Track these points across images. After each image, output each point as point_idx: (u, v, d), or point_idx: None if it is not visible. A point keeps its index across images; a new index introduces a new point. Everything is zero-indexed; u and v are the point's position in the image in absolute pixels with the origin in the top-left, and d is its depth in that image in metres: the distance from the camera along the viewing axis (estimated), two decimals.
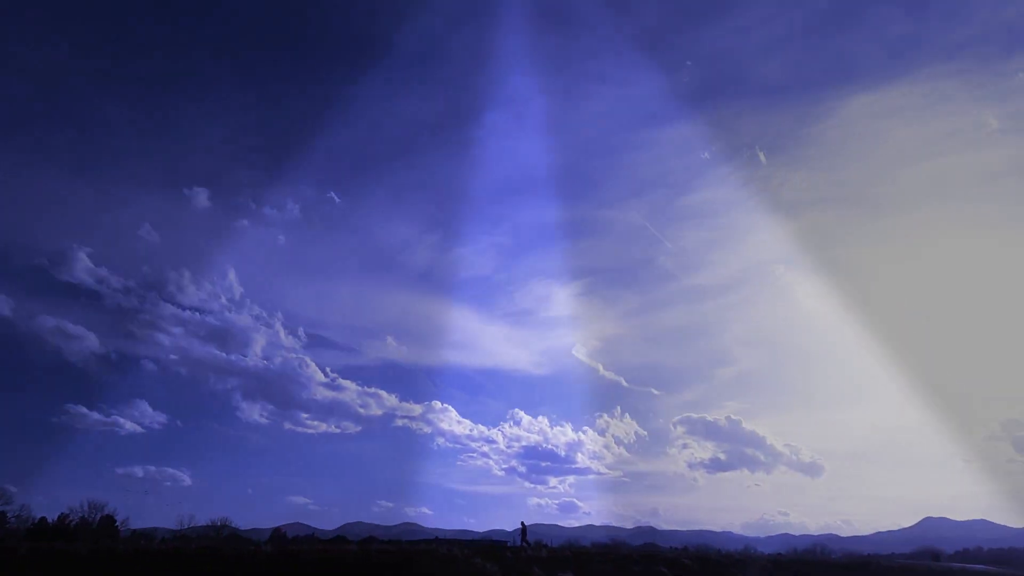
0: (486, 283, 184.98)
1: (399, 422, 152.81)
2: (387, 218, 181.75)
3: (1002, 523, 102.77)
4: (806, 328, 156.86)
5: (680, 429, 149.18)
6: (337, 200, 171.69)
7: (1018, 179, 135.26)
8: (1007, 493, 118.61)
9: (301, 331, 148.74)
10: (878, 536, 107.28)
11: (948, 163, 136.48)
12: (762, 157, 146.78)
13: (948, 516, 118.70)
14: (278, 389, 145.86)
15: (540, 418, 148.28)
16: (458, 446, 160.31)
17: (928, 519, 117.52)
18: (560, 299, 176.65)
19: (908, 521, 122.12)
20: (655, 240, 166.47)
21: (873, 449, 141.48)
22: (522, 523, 40.57)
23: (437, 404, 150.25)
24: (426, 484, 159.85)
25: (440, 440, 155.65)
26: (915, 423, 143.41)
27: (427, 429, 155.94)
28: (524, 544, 39.28)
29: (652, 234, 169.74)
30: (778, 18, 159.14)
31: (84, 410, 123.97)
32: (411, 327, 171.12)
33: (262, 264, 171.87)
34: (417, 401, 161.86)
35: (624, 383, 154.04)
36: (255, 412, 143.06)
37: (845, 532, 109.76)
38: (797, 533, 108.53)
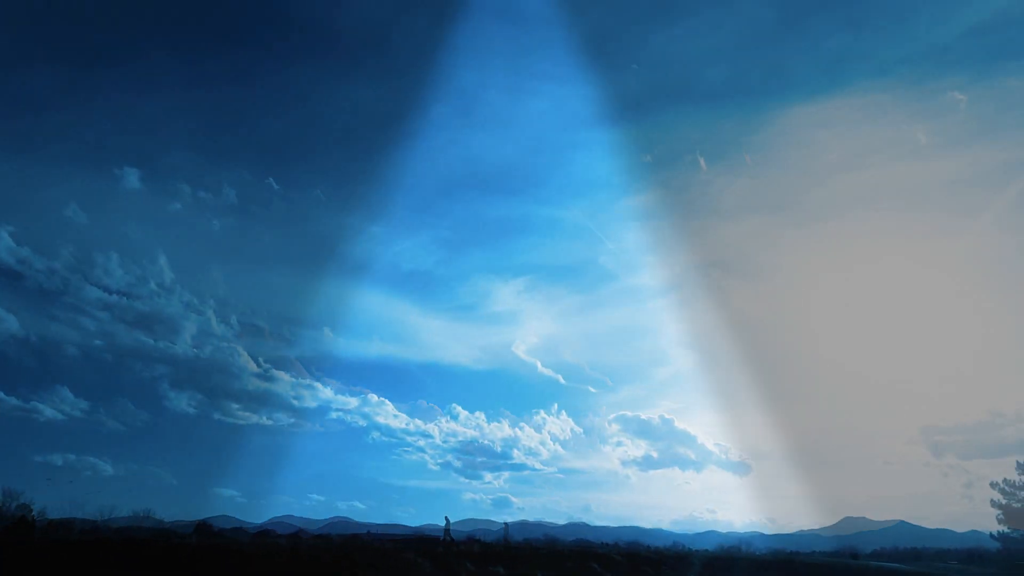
0: (427, 277, 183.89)
1: (334, 415, 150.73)
2: (327, 207, 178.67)
3: (917, 523, 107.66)
4: (740, 331, 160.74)
5: (615, 427, 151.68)
6: (276, 186, 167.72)
7: (943, 193, 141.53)
8: (923, 495, 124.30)
9: (234, 319, 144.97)
10: (800, 534, 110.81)
11: (879, 175, 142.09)
12: (702, 163, 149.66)
13: (867, 516, 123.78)
14: (208, 378, 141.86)
15: (477, 413, 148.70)
16: (393, 440, 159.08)
17: (848, 518, 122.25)
18: (501, 295, 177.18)
19: (829, 520, 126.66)
20: (596, 240, 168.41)
21: (799, 450, 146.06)
22: (446, 518, 40.76)
23: (373, 397, 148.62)
24: (359, 478, 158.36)
25: (375, 434, 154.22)
26: (839, 426, 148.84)
27: (362, 422, 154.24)
28: (448, 540, 39.28)
29: (594, 234, 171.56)
30: (722, 27, 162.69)
31: (1, 395, 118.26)
32: (349, 319, 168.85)
33: (195, 249, 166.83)
34: (353, 394, 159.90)
35: (562, 380, 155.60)
36: (183, 401, 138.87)
37: (770, 530, 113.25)
38: (724, 531, 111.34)
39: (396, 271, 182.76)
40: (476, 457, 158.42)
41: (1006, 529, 54.83)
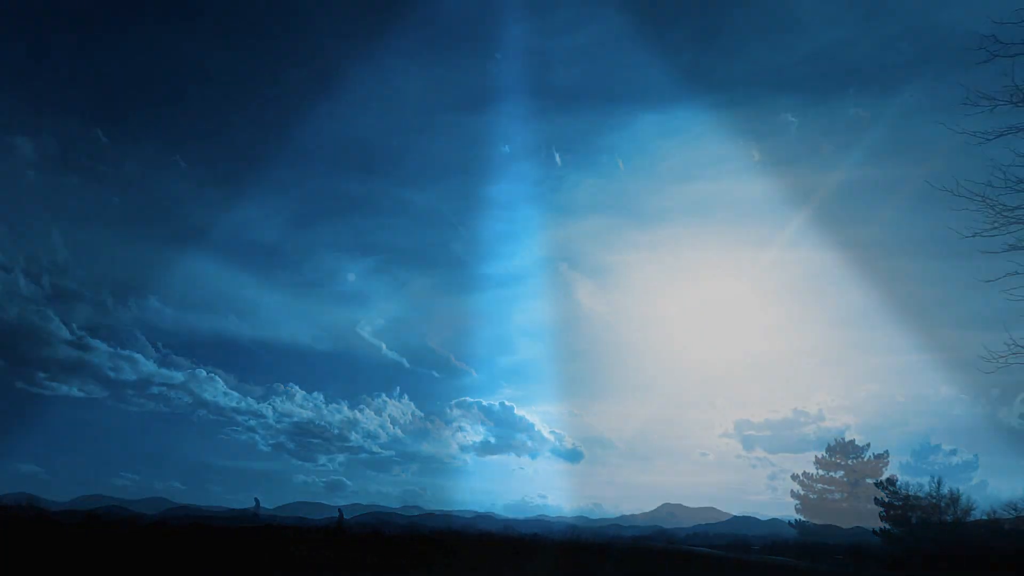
0: (271, 249, 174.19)
1: (156, 389, 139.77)
2: (162, 165, 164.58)
3: (726, 510, 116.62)
4: (581, 325, 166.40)
5: (456, 412, 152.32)
6: (103, 139, 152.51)
7: (770, 208, 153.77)
8: (732, 484, 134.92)
9: (46, 281, 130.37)
10: (623, 518, 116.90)
11: (716, 186, 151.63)
12: (557, 159, 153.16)
13: (683, 503, 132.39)
14: (12, 343, 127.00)
15: (316, 394, 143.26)
16: (222, 418, 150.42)
17: (666, 504, 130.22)
18: (348, 274, 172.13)
19: (650, 506, 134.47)
20: (450, 225, 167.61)
21: (626, 439, 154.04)
22: (255, 499, 39.75)
23: (202, 373, 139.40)
24: (181, 457, 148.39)
25: (202, 411, 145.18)
26: (664, 418, 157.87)
27: (188, 399, 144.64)
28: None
29: (447, 219, 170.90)
30: (582, 28, 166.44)
31: None
32: (179, 287, 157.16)
33: (4, 200, 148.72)
34: (179, 368, 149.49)
35: (406, 364, 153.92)
36: None
37: (595, 514, 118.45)
38: (553, 515, 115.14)
39: (235, 240, 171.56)
40: (311, 439, 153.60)
41: (802, 518, 60.27)
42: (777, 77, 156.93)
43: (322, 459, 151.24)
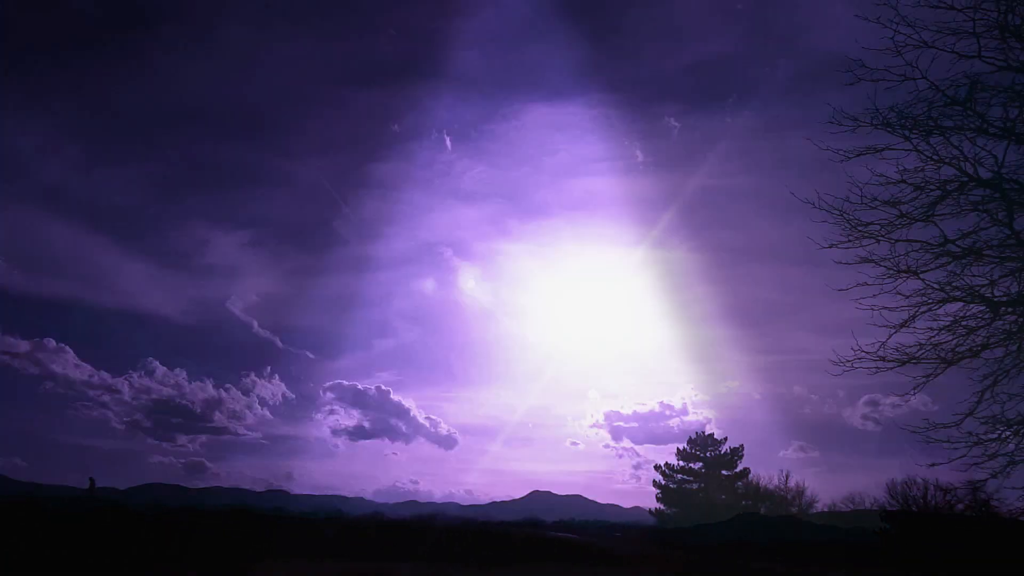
0: (135, 214, 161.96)
1: None
2: (17, 117, 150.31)
3: (592, 498, 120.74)
4: (462, 311, 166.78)
5: (330, 395, 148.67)
6: None
7: (648, 207, 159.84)
8: (599, 473, 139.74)
9: None
10: (493, 505, 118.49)
11: (600, 183, 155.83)
12: (448, 143, 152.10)
13: (552, 491, 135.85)
14: None
15: (178, 370, 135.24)
16: (71, 392, 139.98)
17: (536, 492, 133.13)
18: (220, 246, 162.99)
19: (519, 493, 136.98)
20: (333, 202, 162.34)
21: (501, 427, 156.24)
22: (90, 479, 38.24)
23: (51, 343, 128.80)
24: (22, 432, 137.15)
25: (49, 384, 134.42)
26: (537, 408, 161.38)
27: (33, 370, 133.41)
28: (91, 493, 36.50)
29: (330, 195, 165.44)
30: (479, 13, 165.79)
31: None
32: (28, 249, 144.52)
33: None
34: (24, 337, 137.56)
35: (279, 343, 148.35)
36: None
37: (466, 501, 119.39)
38: (423, 500, 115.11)
39: (95, 203, 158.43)
40: (171, 418, 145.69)
41: (662, 507, 63.11)
42: (664, 82, 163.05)
43: (182, 439, 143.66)
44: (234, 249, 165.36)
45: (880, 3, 11.83)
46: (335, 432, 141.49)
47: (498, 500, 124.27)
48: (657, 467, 65.87)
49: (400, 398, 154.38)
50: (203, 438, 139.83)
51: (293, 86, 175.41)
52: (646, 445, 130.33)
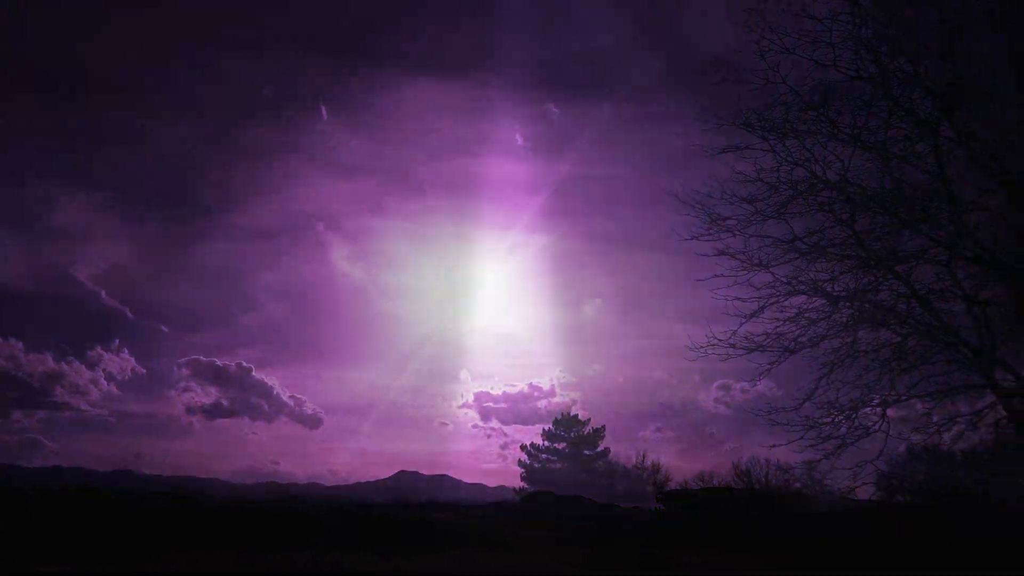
0: None
1: None
2: None
3: (459, 478, 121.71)
4: (334, 288, 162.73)
5: (185, 371, 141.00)
6: None
7: (525, 191, 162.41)
8: (467, 453, 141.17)
9: None
10: (359, 485, 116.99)
11: (481, 163, 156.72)
12: (324, 112, 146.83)
13: (419, 471, 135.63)
14: None
15: (13, 341, 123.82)
16: None
17: (403, 472, 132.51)
18: (67, 208, 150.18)
19: (386, 473, 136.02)
20: (198, 167, 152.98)
21: (369, 406, 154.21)
22: None
23: None
24: None
25: None
26: (407, 388, 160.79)
27: None
28: None
29: (196, 159, 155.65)
30: None
31: None
32: None
33: None
34: None
35: (129, 314, 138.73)
36: None
37: (330, 481, 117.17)
38: (284, 481, 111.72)
39: None
40: (6, 392, 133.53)
41: (527, 485, 64.54)
42: (547, 70, 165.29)
43: (16, 415, 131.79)
44: (83, 212, 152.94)
45: (747, 8, 12.31)
46: (190, 410, 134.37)
47: (364, 480, 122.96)
48: (523, 447, 67.32)
49: (263, 376, 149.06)
50: (41, 414, 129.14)
51: (146, 43, 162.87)
52: (513, 425, 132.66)
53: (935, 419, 11.83)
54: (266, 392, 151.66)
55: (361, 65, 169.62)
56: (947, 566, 15.77)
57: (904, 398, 11.98)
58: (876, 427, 12.03)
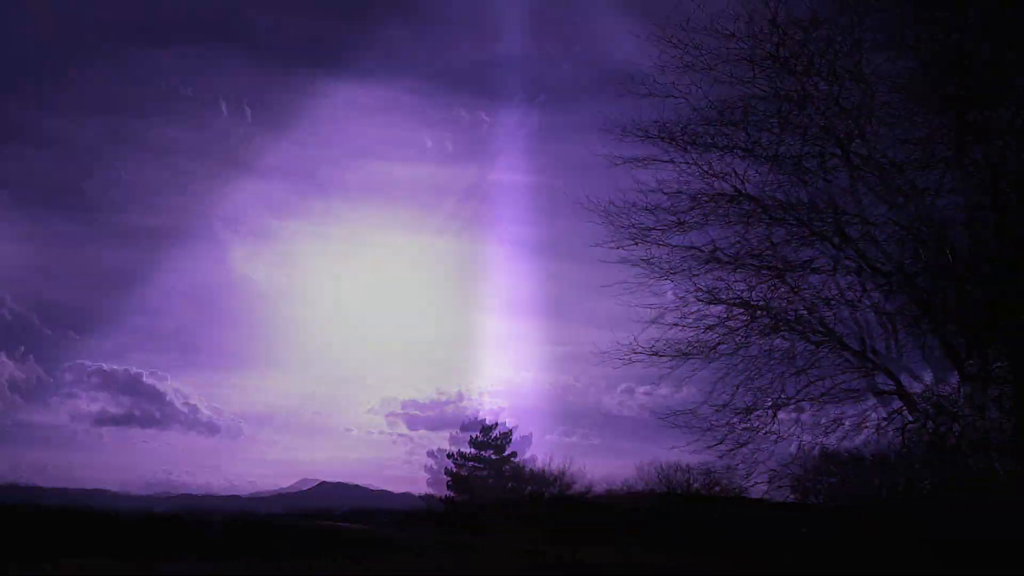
0: None
1: None
2: None
3: (366, 485, 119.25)
4: (237, 291, 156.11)
5: (71, 376, 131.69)
6: None
7: (441, 197, 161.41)
8: (373, 459, 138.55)
9: None
10: (257, 495, 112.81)
11: (393, 168, 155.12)
12: (249, 113, 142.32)
13: (323, 479, 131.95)
14: None
15: None
16: None
17: (305, 480, 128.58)
18: None
19: (287, 482, 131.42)
20: (102, 164, 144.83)
21: (270, 413, 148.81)
22: None
23: None
24: None
25: None
26: (316, 394, 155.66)
27: None
28: None
29: (101, 156, 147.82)
30: None
31: None
32: None
33: None
34: None
35: (8, 316, 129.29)
36: None
37: (227, 491, 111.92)
38: (176, 493, 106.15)
39: None
40: None
41: (432, 492, 63.94)
42: (457, 75, 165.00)
43: None
44: None
45: (655, 24, 12.63)
46: (74, 418, 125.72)
47: (264, 490, 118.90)
48: (430, 453, 66.64)
49: (155, 382, 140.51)
50: None
51: (66, 37, 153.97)
52: (420, 431, 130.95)
53: (823, 421, 12.35)
54: (158, 398, 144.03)
55: (270, 65, 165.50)
56: (919, 566, 16.06)
57: (793, 401, 12.38)
58: (766, 429, 12.41)
